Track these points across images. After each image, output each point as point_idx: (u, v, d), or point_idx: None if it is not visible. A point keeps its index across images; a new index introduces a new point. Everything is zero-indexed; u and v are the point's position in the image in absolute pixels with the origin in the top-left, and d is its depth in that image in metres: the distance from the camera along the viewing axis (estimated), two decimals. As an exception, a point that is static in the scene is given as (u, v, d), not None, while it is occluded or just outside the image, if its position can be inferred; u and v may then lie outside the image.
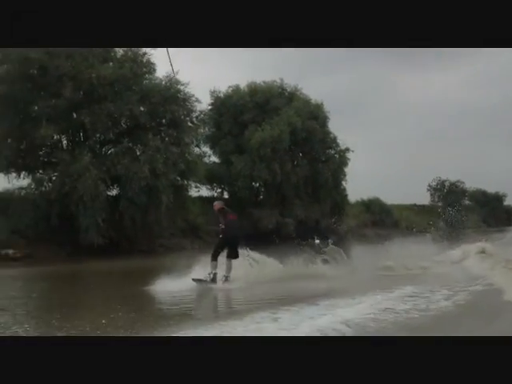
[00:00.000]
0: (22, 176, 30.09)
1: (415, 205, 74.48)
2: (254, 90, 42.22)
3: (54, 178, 28.85)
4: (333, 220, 44.22)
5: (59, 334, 8.66)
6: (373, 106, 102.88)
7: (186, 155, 30.82)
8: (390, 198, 63.39)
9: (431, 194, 77.79)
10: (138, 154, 29.51)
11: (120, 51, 30.80)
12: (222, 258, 14.86)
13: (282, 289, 14.03)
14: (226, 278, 14.49)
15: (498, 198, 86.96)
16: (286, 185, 40.85)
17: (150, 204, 29.41)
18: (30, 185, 29.61)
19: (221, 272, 14.67)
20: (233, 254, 14.69)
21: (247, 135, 40.03)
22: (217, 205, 15.73)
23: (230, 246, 14.72)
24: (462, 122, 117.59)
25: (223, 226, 14.96)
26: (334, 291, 13.09)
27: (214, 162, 41.23)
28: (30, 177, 29.89)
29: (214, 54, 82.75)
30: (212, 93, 41.98)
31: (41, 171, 29.67)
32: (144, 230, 30.26)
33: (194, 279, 14.26)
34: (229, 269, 14.56)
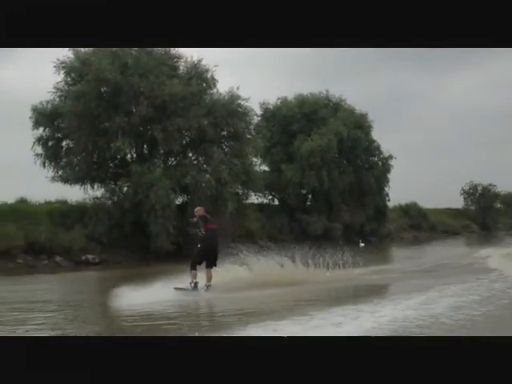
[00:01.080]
0: (95, 187, 32.52)
1: (449, 208, 75.94)
2: (301, 101, 44.52)
3: (126, 188, 31.06)
4: (376, 224, 46.48)
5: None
6: (407, 110, 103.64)
7: (247, 166, 32.86)
8: (426, 202, 64.77)
9: (464, 198, 78.81)
10: (205, 165, 31.59)
11: (184, 67, 33.04)
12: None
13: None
14: (208, 287, 14.70)
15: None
16: (333, 191, 43.01)
17: (215, 212, 31.52)
18: (103, 195, 31.98)
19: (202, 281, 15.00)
20: (212, 264, 14.84)
21: (296, 145, 42.32)
22: (199, 211, 15.61)
23: (207, 256, 14.79)
24: (497, 125, 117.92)
25: (203, 232, 15.00)
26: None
27: (265, 171, 43.30)
28: (103, 187, 32.28)
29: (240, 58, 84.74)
30: (261, 104, 44.24)
31: (113, 182, 32.01)
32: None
33: (175, 288, 14.45)
34: (209, 278, 14.74)
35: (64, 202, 33.07)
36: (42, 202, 33.25)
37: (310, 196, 45.05)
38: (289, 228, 42.68)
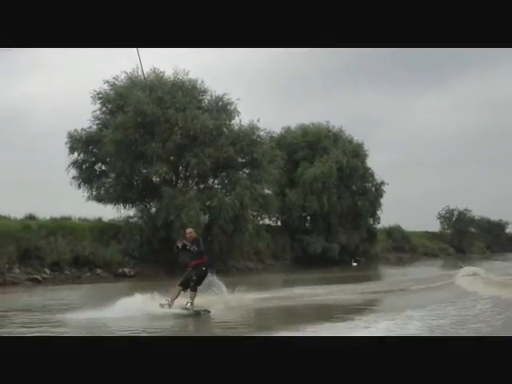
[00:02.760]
0: (127, 206, 36.59)
1: (427, 232, 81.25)
2: (305, 131, 49.45)
3: (158, 208, 35.10)
4: (368, 245, 51.43)
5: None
6: (387, 130, 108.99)
7: (265, 190, 37.33)
8: (406, 224, 69.63)
9: (441, 222, 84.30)
10: (229, 188, 35.94)
11: (210, 101, 37.41)
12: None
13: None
14: (190, 304, 14.93)
15: (500, 226, 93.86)
16: (332, 214, 47.89)
17: (236, 231, 35.83)
18: (135, 214, 36.08)
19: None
20: (197, 286, 15.15)
21: (300, 171, 46.91)
22: (193, 233, 15.93)
23: (198, 279, 15.17)
24: (470, 149, 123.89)
25: (196, 249, 15.25)
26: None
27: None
28: (135, 207, 36.39)
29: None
30: (267, 133, 48.70)
31: (146, 202, 36.15)
32: (228, 252, 36.63)
33: (160, 304, 14.85)
34: (193, 297, 15.04)
35: (99, 220, 36.88)
36: (77, 219, 37.03)
37: (308, 218, 49.42)
38: (290, 247, 47.04)
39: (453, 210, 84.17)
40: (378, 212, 52.64)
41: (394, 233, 66.44)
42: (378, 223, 54.65)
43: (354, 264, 48.32)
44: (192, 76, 37.49)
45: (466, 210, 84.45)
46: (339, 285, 25.37)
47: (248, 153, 37.04)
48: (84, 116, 37.03)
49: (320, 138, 49.12)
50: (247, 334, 9.36)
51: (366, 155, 51.18)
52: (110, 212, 37.56)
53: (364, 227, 51.66)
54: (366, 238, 52.02)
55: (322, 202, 46.54)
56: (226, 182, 37.00)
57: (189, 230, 16.27)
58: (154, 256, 35.27)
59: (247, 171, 37.91)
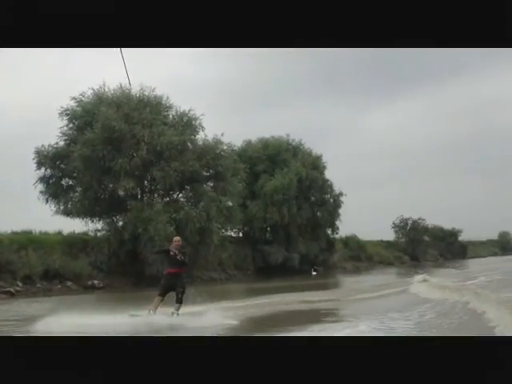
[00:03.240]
0: (94, 220, 37.84)
1: (382, 240, 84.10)
2: (265, 144, 51.38)
3: (125, 221, 36.41)
4: (327, 255, 53.65)
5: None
6: (342, 143, 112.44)
7: (229, 203, 39.04)
8: (361, 234, 72.24)
9: (395, 231, 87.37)
10: (195, 201, 37.52)
11: (175, 116, 38.96)
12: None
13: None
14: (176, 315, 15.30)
15: (453, 234, 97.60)
16: (292, 225, 49.88)
17: (202, 242, 37.41)
18: (103, 227, 37.35)
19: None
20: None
21: (260, 183, 48.79)
22: (179, 241, 16.21)
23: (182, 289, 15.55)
24: (423, 159, 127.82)
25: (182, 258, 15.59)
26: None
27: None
28: (103, 220, 37.65)
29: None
30: (229, 146, 50.41)
31: (113, 216, 37.46)
32: (194, 263, 38.12)
33: (131, 315, 15.04)
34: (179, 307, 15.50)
35: (70, 234, 38.06)
36: (38, 232, 38.09)
37: (269, 229, 51.31)
38: (252, 258, 48.80)
39: (407, 220, 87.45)
40: (337, 222, 54.87)
41: (350, 242, 68.88)
42: (337, 233, 56.94)
43: (314, 273, 50.30)
44: (158, 92, 39.07)
45: (419, 219, 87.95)
46: (304, 292, 27.21)
47: (213, 166, 38.66)
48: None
49: (280, 150, 51.20)
50: (247, 334, 9.43)
51: (324, 167, 53.52)
52: (71, 225, 38.87)
53: (323, 237, 53.90)
54: (325, 248, 54.23)
55: (283, 214, 48.50)
56: (192, 195, 38.50)
57: (177, 238, 16.48)
58: (122, 268, 36.58)
59: (212, 184, 39.47)
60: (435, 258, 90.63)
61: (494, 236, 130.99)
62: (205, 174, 39.32)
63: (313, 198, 53.09)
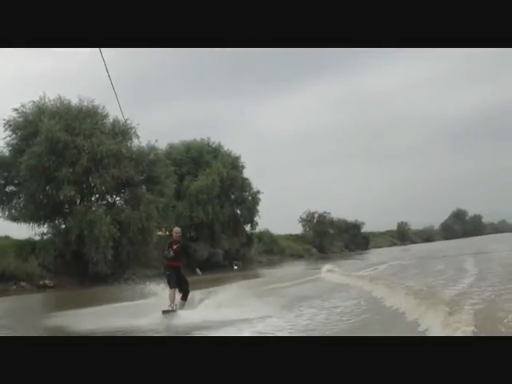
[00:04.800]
0: (39, 225, 42.10)
1: (291, 234, 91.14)
2: (188, 146, 56.75)
3: (71, 225, 40.81)
4: (247, 249, 59.85)
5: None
6: (241, 135, 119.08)
7: (165, 204, 44.32)
8: (273, 228, 78.68)
9: (303, 225, 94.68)
10: (134, 204, 42.50)
11: (111, 125, 43.65)
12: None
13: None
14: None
15: (356, 226, 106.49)
16: (216, 223, 55.49)
17: (143, 241, 42.48)
18: (48, 231, 41.69)
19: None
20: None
21: (185, 184, 54.14)
22: (180, 233, 16.70)
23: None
24: (325, 152, 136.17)
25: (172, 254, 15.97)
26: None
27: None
28: (47, 225, 41.98)
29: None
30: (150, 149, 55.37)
31: (59, 220, 41.86)
32: (135, 261, 43.13)
33: (164, 311, 15.22)
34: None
35: (18, 238, 42.11)
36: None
37: (193, 227, 56.77)
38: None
39: (313, 213, 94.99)
40: (256, 218, 61.07)
41: (263, 237, 75.17)
42: (255, 229, 63.13)
43: (235, 267, 56.09)
44: (96, 102, 43.68)
45: (325, 212, 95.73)
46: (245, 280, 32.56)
47: (148, 171, 43.67)
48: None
49: (202, 152, 56.93)
50: (246, 334, 9.90)
51: (243, 167, 59.81)
52: (18, 230, 42.87)
53: (243, 233, 60.04)
54: (245, 243, 60.37)
55: (207, 212, 54.22)
56: (130, 198, 43.36)
57: (177, 229, 16.89)
58: (68, 268, 41.06)
59: (149, 187, 44.40)
60: (340, 249, 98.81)
61: (393, 227, 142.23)
62: (141, 178, 44.19)
63: (233, 197, 59.11)
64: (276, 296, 20.82)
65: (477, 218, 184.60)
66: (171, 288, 15.53)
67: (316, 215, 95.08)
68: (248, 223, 61.26)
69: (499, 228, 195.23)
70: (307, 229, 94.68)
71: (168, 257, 15.97)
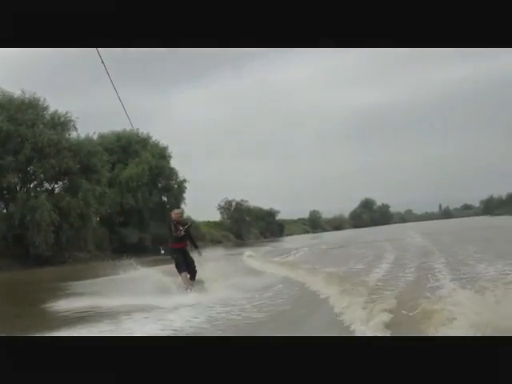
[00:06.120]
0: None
1: (209, 221, 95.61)
2: (118, 136, 60.67)
3: (14, 210, 43.98)
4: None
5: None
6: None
7: (101, 192, 48.20)
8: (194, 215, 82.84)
9: (221, 212, 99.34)
10: (74, 191, 46.14)
11: (51, 117, 47.01)
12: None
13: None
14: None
15: (271, 214, 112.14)
16: (144, 209, 59.58)
17: (82, 226, 46.26)
18: (-9, 215, 44.97)
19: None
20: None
21: (116, 172, 57.94)
22: (180, 213, 16.66)
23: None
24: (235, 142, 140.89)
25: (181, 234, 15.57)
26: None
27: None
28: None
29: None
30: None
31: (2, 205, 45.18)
32: (75, 245, 46.86)
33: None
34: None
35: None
36: None
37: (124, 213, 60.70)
38: (109, 239, 57.85)
39: (231, 201, 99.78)
40: (182, 205, 65.38)
41: (184, 223, 79.29)
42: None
43: (162, 252, 59.91)
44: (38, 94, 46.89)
45: (242, 200, 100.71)
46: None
47: (86, 161, 47.31)
48: None
49: (131, 142, 60.79)
50: (246, 334, 9.60)
51: (170, 157, 64.05)
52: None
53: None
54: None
55: (137, 199, 58.23)
56: (70, 185, 46.94)
57: (178, 210, 16.85)
58: (10, 251, 44.28)
59: (87, 176, 48.00)
60: (257, 236, 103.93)
61: (306, 215, 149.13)
62: (80, 167, 47.71)
63: (160, 185, 63.28)
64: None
65: (384, 208, 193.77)
66: (181, 273, 15.38)
67: (234, 203, 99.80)
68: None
69: (405, 217, 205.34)
70: (225, 216, 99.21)
71: (177, 237, 15.42)
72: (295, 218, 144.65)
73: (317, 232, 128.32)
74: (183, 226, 15.73)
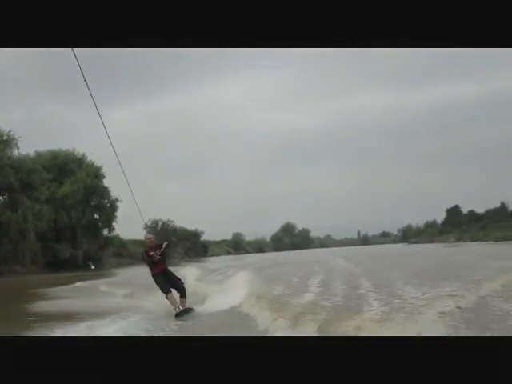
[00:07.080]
0: None
1: (135, 240, 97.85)
2: (54, 155, 63.35)
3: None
4: (102, 252, 67.05)
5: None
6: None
7: (40, 208, 50.85)
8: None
9: (148, 232, 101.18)
10: (13, 208, 48.62)
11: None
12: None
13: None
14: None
15: (196, 235, 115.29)
16: (78, 226, 62.28)
17: (21, 240, 48.78)
18: None
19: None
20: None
21: (51, 190, 60.47)
22: (151, 238, 16.19)
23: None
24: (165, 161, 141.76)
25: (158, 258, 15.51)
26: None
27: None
28: None
29: None
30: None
31: None
32: (14, 259, 49.26)
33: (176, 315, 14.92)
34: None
35: None
36: None
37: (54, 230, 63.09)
38: (42, 254, 60.10)
39: (158, 221, 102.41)
40: (114, 224, 68.40)
41: (113, 241, 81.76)
42: (110, 233, 70.39)
43: (92, 267, 62.82)
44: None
45: (169, 220, 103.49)
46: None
47: (27, 178, 49.89)
48: None
49: (67, 161, 63.52)
50: (245, 334, 9.80)
51: (104, 176, 67.06)
52: None
53: (101, 237, 67.13)
54: (102, 246, 67.43)
55: (71, 216, 60.85)
56: (10, 201, 49.40)
57: (148, 236, 16.65)
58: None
59: (27, 193, 50.53)
60: (181, 255, 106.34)
61: (229, 236, 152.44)
62: (19, 184, 50.13)
63: (93, 203, 66.12)
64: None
65: (305, 232, 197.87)
66: (167, 294, 15.25)
67: (160, 223, 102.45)
68: (106, 228, 68.32)
69: (325, 242, 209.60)
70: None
71: (154, 261, 15.29)
72: (218, 239, 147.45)
73: (239, 253, 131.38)
74: (156, 249, 15.49)
